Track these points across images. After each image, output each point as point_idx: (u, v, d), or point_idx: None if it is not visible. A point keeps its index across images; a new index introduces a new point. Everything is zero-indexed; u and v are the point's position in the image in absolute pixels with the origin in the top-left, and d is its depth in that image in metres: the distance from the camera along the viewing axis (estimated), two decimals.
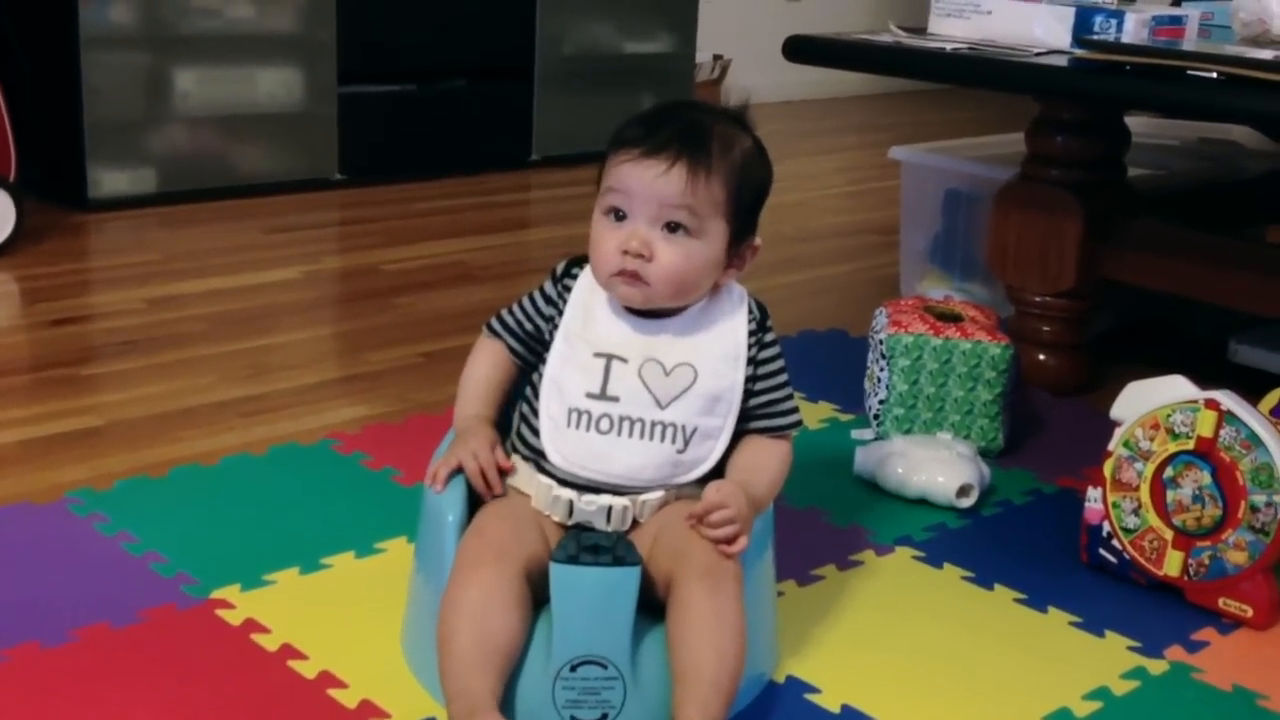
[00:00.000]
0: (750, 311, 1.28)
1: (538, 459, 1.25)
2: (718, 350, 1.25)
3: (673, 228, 1.20)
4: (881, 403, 1.82)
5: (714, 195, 1.21)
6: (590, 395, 1.22)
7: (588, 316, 1.26)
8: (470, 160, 3.50)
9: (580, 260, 1.29)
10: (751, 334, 1.27)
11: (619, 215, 1.22)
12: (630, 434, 1.22)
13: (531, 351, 1.30)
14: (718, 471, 1.25)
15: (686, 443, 1.23)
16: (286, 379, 2.01)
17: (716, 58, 4.43)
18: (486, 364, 1.32)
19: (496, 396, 1.32)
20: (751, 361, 1.26)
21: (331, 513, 1.57)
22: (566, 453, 1.22)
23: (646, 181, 1.19)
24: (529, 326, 1.30)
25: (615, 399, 1.22)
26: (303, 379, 2.01)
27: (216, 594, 1.36)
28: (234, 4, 3.04)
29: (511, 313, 1.32)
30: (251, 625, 1.31)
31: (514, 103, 3.58)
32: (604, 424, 1.22)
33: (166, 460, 1.69)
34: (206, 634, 1.30)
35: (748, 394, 1.26)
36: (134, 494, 1.59)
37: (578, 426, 1.22)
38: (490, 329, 1.33)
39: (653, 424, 1.22)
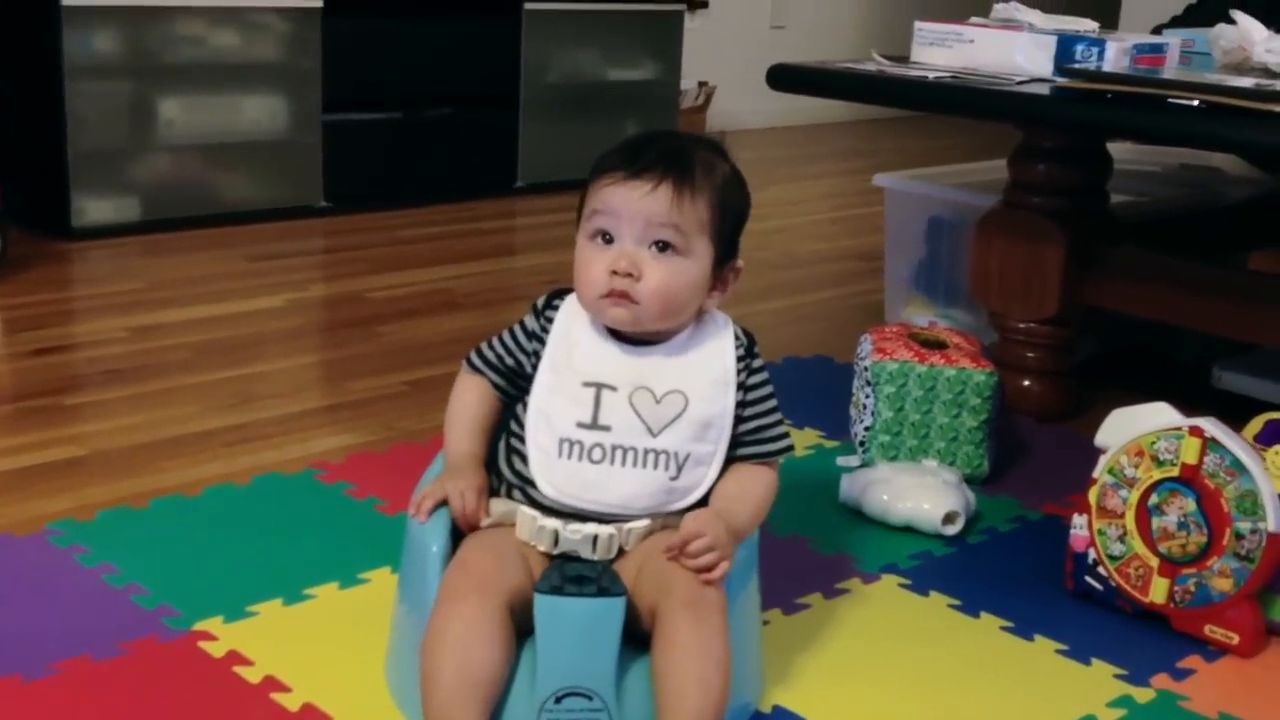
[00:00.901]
0: (737, 338, 1.28)
1: (525, 487, 1.24)
2: (707, 376, 1.25)
3: (661, 247, 1.21)
4: (867, 429, 1.82)
5: (699, 214, 1.21)
6: (581, 425, 1.22)
7: (573, 347, 1.25)
8: (456, 188, 3.50)
9: (561, 292, 1.29)
10: (740, 360, 1.27)
11: (606, 238, 1.22)
12: (623, 463, 1.21)
13: (514, 386, 1.30)
14: (705, 499, 1.25)
15: (679, 469, 1.23)
16: (270, 408, 2.00)
17: (701, 84, 4.45)
18: (472, 399, 1.31)
19: (486, 432, 1.31)
20: (741, 387, 1.26)
21: (315, 543, 1.56)
22: (558, 483, 1.22)
23: (633, 201, 1.20)
24: (510, 361, 1.30)
25: (607, 428, 1.22)
26: (287, 408, 2.01)
27: (199, 626, 1.35)
28: (219, 32, 3.04)
29: (491, 347, 1.31)
30: (234, 657, 1.30)
31: (499, 130, 3.59)
32: (596, 453, 1.22)
33: (149, 490, 1.68)
34: (189, 666, 1.29)
35: (737, 419, 1.26)
36: (116, 525, 1.58)
37: (569, 457, 1.22)
38: (471, 365, 1.32)
39: (645, 452, 1.22)
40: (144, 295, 2.54)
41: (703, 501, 1.24)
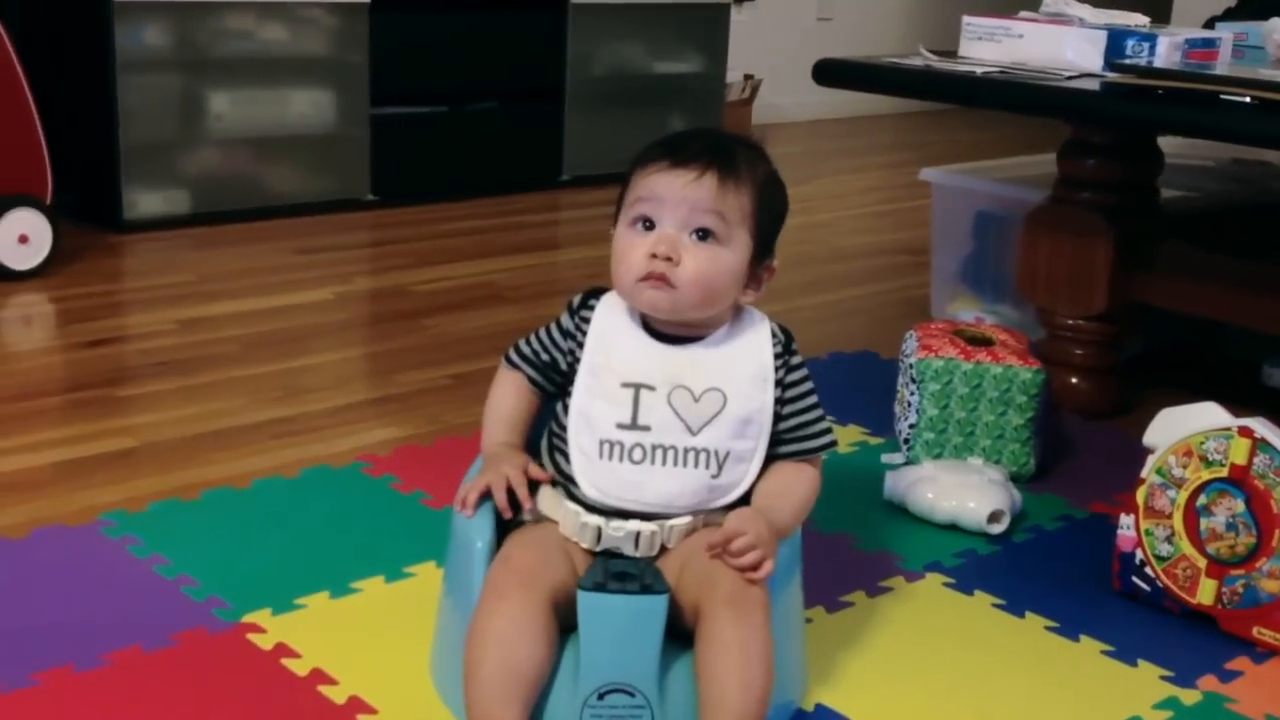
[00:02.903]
0: (774, 335, 1.28)
1: (567, 485, 1.25)
2: (745, 373, 1.25)
3: (702, 235, 1.21)
4: (912, 427, 1.81)
5: (742, 204, 1.22)
6: (621, 426, 1.22)
7: (610, 348, 1.26)
8: (500, 181, 3.52)
9: (597, 291, 1.30)
10: (777, 356, 1.27)
11: (647, 223, 1.23)
12: (664, 462, 1.22)
13: (551, 381, 1.31)
14: (748, 497, 1.25)
15: (720, 467, 1.23)
16: (318, 401, 2.02)
17: (747, 77, 4.44)
18: (509, 394, 1.33)
19: (522, 425, 1.32)
20: (779, 384, 1.26)
21: (361, 536, 1.57)
22: (601, 484, 1.23)
23: (678, 188, 1.21)
24: (545, 357, 1.31)
25: (647, 428, 1.22)
26: (334, 400, 2.02)
27: (248, 618, 1.37)
28: (267, 27, 3.07)
29: (529, 343, 1.32)
30: (282, 649, 1.32)
31: (544, 124, 3.59)
32: (637, 454, 1.22)
33: (199, 482, 1.70)
34: (238, 658, 1.30)
35: (777, 417, 1.26)
36: (166, 516, 1.60)
37: (610, 458, 1.22)
38: (509, 360, 1.34)
39: (685, 450, 1.22)
40: (194, 288, 2.57)
41: (745, 499, 1.25)
